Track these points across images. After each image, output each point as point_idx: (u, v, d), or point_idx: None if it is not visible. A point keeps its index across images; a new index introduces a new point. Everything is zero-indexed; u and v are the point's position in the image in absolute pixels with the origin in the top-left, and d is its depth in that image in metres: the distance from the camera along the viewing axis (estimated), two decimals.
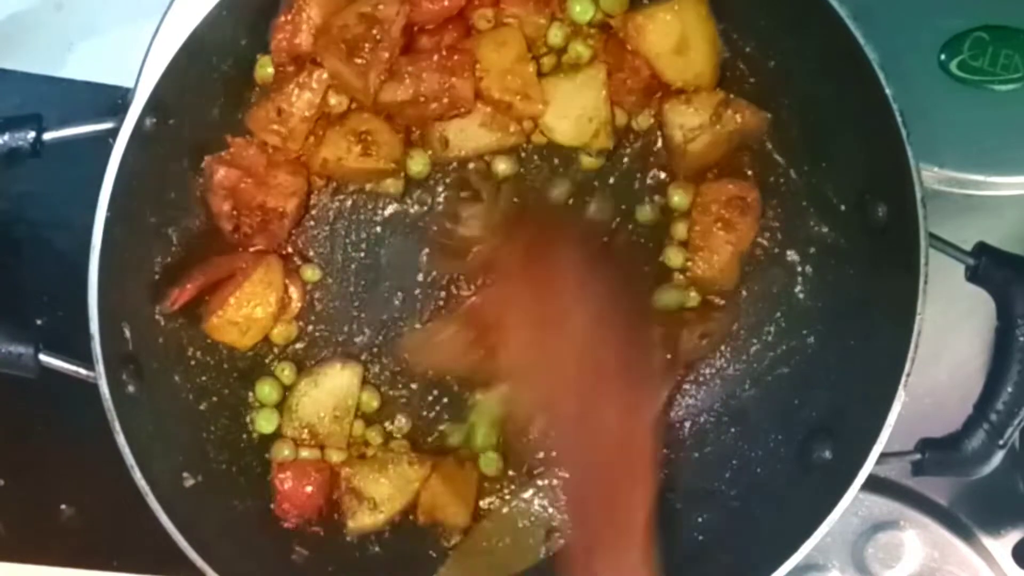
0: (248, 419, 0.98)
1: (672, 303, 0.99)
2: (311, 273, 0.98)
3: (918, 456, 0.90)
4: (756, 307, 1.00)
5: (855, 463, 0.87)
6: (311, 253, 0.98)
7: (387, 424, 1.00)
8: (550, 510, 1.01)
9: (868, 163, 0.90)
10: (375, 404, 0.99)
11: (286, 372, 0.98)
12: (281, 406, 0.98)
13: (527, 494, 1.01)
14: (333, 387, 0.97)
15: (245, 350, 0.97)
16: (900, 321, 0.86)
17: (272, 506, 0.96)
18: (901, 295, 0.86)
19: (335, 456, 0.97)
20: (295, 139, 0.92)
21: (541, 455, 1.00)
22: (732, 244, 0.96)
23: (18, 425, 1.08)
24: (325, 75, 0.90)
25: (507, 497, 1.01)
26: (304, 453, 0.97)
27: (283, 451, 0.96)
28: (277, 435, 0.98)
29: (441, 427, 1.00)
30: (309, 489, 0.95)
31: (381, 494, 0.96)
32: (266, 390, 0.97)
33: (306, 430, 0.97)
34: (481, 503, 1.01)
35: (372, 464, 0.97)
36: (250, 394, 0.98)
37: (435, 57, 0.91)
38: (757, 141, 0.97)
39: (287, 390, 0.98)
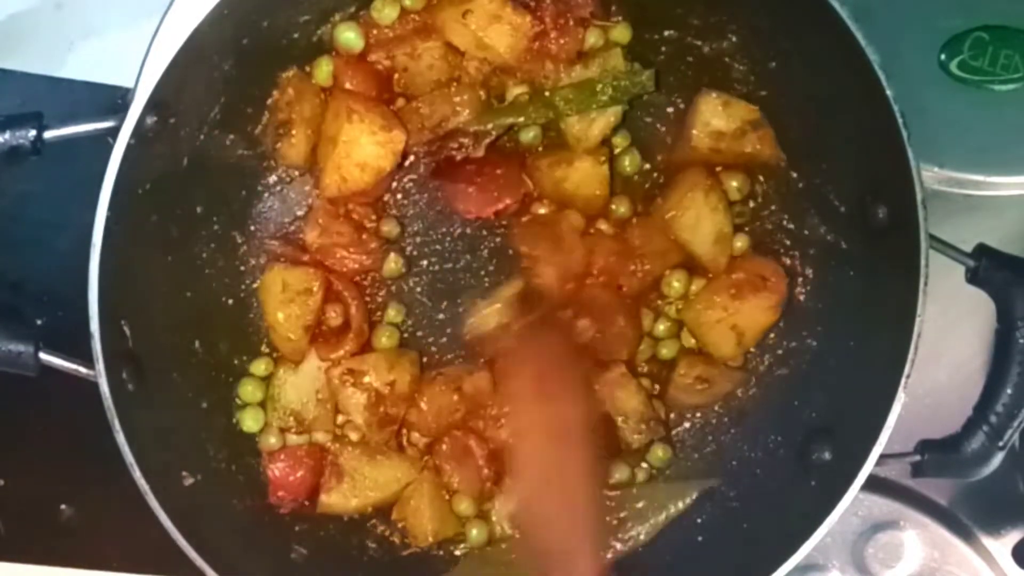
0: (235, 420, 0.98)
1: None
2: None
3: (918, 457, 0.90)
4: None
5: (855, 464, 0.87)
6: None
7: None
8: None
9: (868, 164, 0.90)
10: None
11: (261, 367, 0.98)
12: (264, 402, 0.97)
13: None
14: (310, 369, 0.97)
15: None
16: (900, 322, 0.86)
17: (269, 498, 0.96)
18: (901, 296, 0.86)
19: (322, 437, 0.97)
20: None
21: None
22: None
23: (18, 425, 1.08)
24: None
25: None
26: (292, 439, 0.97)
27: (270, 440, 0.96)
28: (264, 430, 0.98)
29: None
30: (300, 473, 0.96)
31: (361, 481, 0.96)
32: (248, 389, 0.97)
33: (291, 417, 0.96)
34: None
35: (363, 448, 0.97)
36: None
37: None
38: (761, 172, 0.98)
39: (267, 383, 0.97)
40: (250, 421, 0.97)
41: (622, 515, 1.00)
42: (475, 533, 0.98)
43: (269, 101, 0.94)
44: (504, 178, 0.96)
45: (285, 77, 0.94)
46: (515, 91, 0.95)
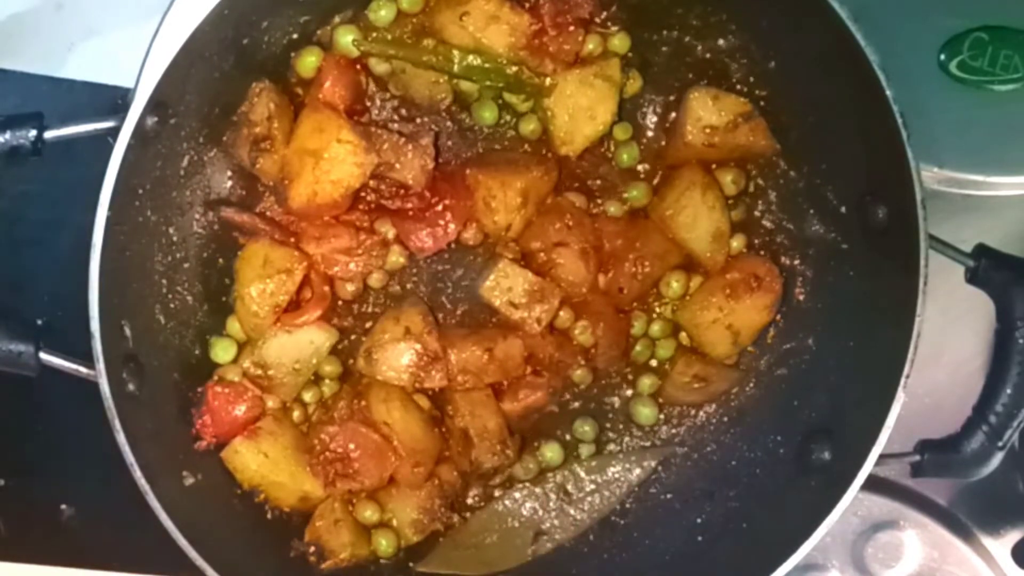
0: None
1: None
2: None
3: (917, 457, 0.91)
4: None
5: (854, 464, 0.87)
6: None
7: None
8: (540, 512, 1.01)
9: (868, 164, 0.90)
10: (336, 373, 0.98)
11: None
12: (245, 344, 0.97)
13: (518, 494, 1.01)
14: (304, 341, 0.96)
15: None
16: (899, 322, 0.86)
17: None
18: (901, 296, 0.86)
19: (272, 403, 0.96)
20: None
21: (532, 466, 1.01)
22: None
23: (18, 425, 1.08)
24: None
25: (497, 494, 1.01)
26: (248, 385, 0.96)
27: (230, 373, 0.95)
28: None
29: None
30: (235, 411, 0.94)
31: (270, 462, 0.95)
32: (237, 326, 0.96)
33: (261, 369, 0.95)
34: (469, 497, 1.01)
35: (292, 438, 0.96)
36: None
37: None
38: (758, 160, 0.98)
39: None
40: (221, 351, 0.96)
41: (588, 488, 1.02)
42: (384, 544, 0.98)
43: (237, 115, 0.93)
44: (451, 207, 0.95)
45: (257, 88, 0.92)
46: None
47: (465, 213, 0.96)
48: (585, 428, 1.02)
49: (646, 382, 1.02)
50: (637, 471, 1.02)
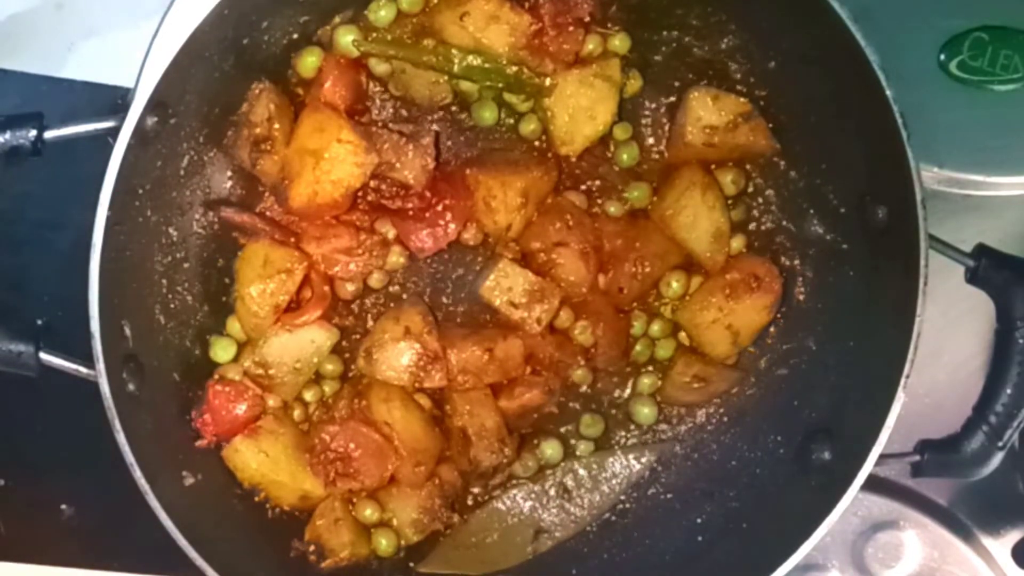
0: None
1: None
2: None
3: (917, 457, 0.91)
4: None
5: (854, 464, 0.87)
6: None
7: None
8: (539, 510, 1.01)
9: (868, 164, 0.90)
10: (337, 372, 0.99)
11: None
12: (245, 344, 0.97)
13: (519, 493, 1.01)
14: (305, 340, 0.96)
15: None
16: (900, 322, 0.86)
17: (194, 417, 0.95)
18: (901, 296, 0.86)
19: (273, 402, 0.96)
20: None
21: (531, 463, 1.01)
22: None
23: (18, 425, 1.09)
24: None
25: (496, 493, 1.01)
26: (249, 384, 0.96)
27: (231, 372, 0.96)
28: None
29: None
30: (236, 409, 0.94)
31: (271, 461, 0.95)
32: (237, 327, 0.96)
33: (262, 368, 0.95)
34: (469, 496, 1.01)
35: (292, 437, 0.96)
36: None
37: None
38: (758, 160, 0.98)
39: None
40: (221, 351, 0.96)
41: (588, 485, 1.02)
42: (384, 543, 0.98)
43: (236, 116, 0.93)
44: (451, 207, 0.95)
45: (257, 89, 0.92)
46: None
47: (465, 213, 0.96)
48: (592, 424, 1.02)
49: (646, 382, 1.02)
50: (636, 467, 1.02)
